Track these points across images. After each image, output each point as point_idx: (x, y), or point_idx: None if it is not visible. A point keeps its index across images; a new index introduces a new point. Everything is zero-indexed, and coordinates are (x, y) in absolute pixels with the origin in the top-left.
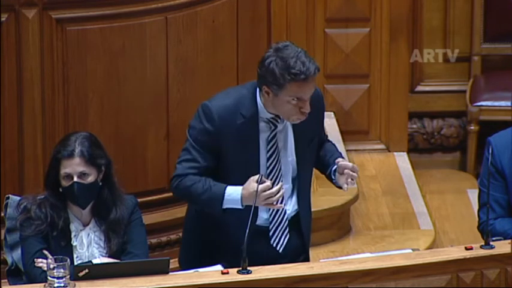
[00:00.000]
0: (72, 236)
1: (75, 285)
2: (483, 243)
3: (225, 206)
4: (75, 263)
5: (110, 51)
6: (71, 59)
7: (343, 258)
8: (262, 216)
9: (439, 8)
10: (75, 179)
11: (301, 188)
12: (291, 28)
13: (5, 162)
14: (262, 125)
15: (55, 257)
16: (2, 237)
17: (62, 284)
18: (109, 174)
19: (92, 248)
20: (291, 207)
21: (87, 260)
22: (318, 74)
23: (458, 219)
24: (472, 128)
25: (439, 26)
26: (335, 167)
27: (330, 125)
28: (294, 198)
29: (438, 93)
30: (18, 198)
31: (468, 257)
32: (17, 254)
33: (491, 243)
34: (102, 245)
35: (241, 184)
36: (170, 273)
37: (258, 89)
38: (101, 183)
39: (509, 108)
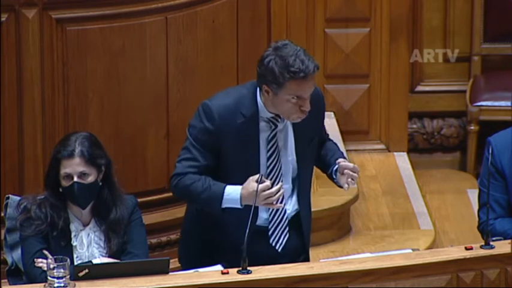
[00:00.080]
0: (72, 236)
1: (75, 285)
2: (483, 243)
3: (224, 205)
4: (75, 263)
5: (110, 51)
6: (71, 59)
7: (343, 258)
8: (262, 216)
9: (439, 8)
10: (75, 179)
11: (302, 188)
12: (291, 28)
13: (5, 162)
14: (262, 124)
15: (55, 257)
16: (2, 237)
17: (62, 284)
18: (109, 174)
19: (92, 248)
20: (291, 206)
21: (87, 260)
22: (317, 72)
23: (458, 219)
24: (472, 128)
25: (439, 26)
26: (336, 166)
27: (330, 125)
28: (294, 198)
29: (438, 93)
30: (18, 198)
31: (468, 257)
32: (17, 254)
33: (491, 243)
34: (102, 245)
35: (241, 184)
36: (170, 273)
37: (258, 89)
38: (101, 183)
39: (509, 108)
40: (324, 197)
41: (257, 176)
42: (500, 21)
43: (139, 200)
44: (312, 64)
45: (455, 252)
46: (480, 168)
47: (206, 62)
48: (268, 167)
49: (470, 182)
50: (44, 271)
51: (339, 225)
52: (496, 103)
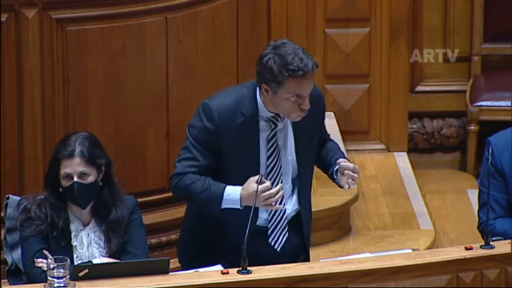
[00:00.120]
0: (72, 236)
1: (75, 285)
2: (483, 243)
3: (224, 206)
4: (75, 263)
5: (110, 51)
6: (71, 59)
7: (343, 258)
8: (262, 217)
9: (439, 8)
10: (75, 179)
11: (302, 188)
12: (291, 28)
13: (5, 162)
14: (262, 123)
15: (55, 257)
16: (2, 237)
17: (62, 284)
18: (109, 174)
19: (92, 248)
20: (291, 206)
21: (87, 260)
22: (316, 70)
23: (458, 219)
24: (472, 128)
25: (439, 26)
26: (337, 167)
27: (330, 125)
28: (295, 198)
29: (438, 93)
30: (18, 198)
31: (468, 257)
32: (17, 254)
33: (491, 243)
34: (102, 245)
35: (242, 183)
36: (170, 273)
37: (257, 88)
38: (101, 183)
39: (509, 108)
40: (324, 197)
41: (257, 176)
42: (500, 21)
43: (139, 200)
44: (310, 62)
45: (455, 252)
46: (480, 168)
47: (206, 62)
48: (268, 167)
49: (470, 182)
50: (44, 271)
51: (339, 225)
52: (496, 103)
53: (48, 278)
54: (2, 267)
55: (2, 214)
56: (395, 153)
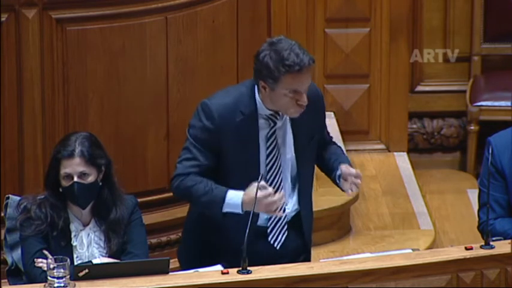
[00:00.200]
0: (72, 236)
1: (75, 285)
2: (483, 243)
3: (225, 209)
4: (75, 263)
5: (110, 51)
6: (71, 59)
7: (343, 258)
8: (262, 217)
9: (439, 8)
10: (75, 179)
11: (302, 187)
12: (291, 28)
13: (5, 162)
14: (261, 122)
15: (55, 257)
16: (2, 237)
17: (62, 284)
18: (109, 174)
19: (92, 248)
20: (291, 206)
21: (87, 260)
22: (313, 65)
23: (458, 219)
24: (472, 128)
25: (439, 26)
26: (340, 172)
27: (330, 125)
28: (295, 197)
29: (438, 93)
30: (18, 198)
31: (468, 257)
32: (17, 254)
33: (491, 243)
34: (102, 245)
35: (242, 182)
36: (170, 273)
37: (256, 86)
38: (101, 183)
39: (509, 108)
40: (324, 197)
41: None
42: (500, 21)
43: (139, 200)
44: (306, 57)
45: (455, 252)
46: (480, 168)
47: (206, 62)
48: (267, 165)
49: (470, 182)
50: (44, 271)
51: (339, 225)
52: (496, 103)
53: (48, 278)
54: (2, 267)
55: (2, 214)
56: (395, 153)
